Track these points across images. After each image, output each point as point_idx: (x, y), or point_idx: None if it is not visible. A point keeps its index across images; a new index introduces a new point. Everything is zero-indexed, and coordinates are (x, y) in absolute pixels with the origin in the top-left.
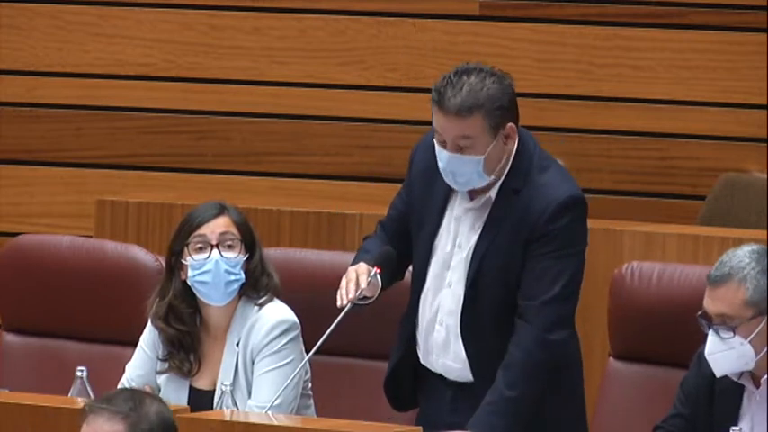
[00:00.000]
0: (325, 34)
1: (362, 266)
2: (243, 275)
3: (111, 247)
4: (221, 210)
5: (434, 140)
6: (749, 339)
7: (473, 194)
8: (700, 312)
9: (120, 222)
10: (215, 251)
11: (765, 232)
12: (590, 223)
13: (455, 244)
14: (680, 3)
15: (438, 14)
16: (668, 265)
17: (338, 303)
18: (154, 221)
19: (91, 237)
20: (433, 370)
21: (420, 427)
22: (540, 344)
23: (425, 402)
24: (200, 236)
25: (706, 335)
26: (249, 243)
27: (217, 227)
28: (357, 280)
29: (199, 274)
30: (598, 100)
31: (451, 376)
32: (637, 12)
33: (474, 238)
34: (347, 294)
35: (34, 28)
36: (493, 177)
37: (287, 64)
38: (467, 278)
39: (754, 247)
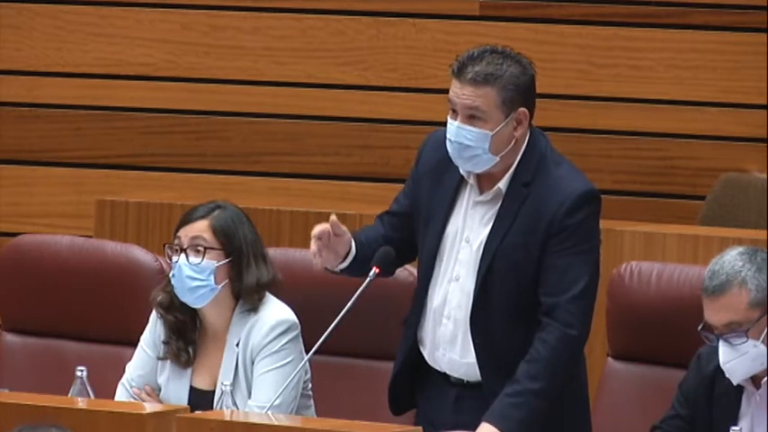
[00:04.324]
0: (325, 34)
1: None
2: (212, 281)
3: (111, 247)
4: (207, 213)
5: (448, 118)
6: (762, 339)
7: (483, 187)
8: (701, 326)
9: (120, 222)
10: (182, 256)
11: (765, 232)
12: None
13: (463, 237)
14: (680, 3)
15: (438, 14)
16: (667, 265)
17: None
18: (154, 221)
19: (91, 237)
20: (437, 368)
21: (420, 428)
22: (565, 341)
23: (426, 403)
24: (177, 238)
25: (714, 347)
26: (231, 249)
27: (191, 231)
28: (321, 237)
29: (171, 276)
30: (598, 100)
31: (457, 374)
32: (637, 12)
33: (484, 232)
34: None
35: (34, 28)
36: (498, 160)
37: (287, 64)
38: (477, 273)
39: (740, 249)
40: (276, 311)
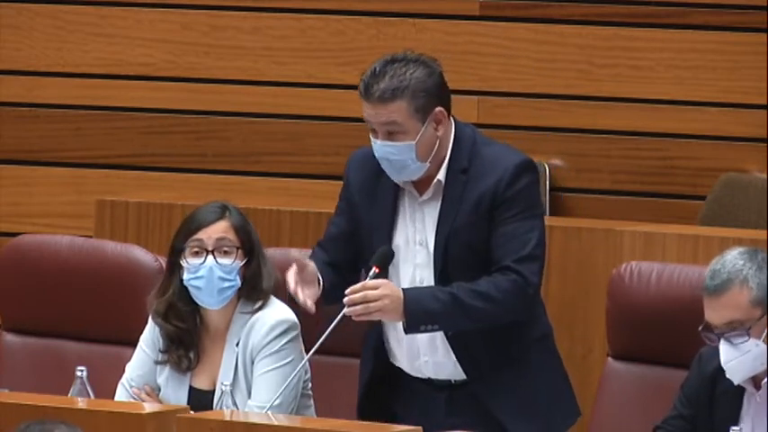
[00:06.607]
0: (326, 34)
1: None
2: (238, 281)
3: (111, 247)
4: (222, 213)
5: (370, 137)
6: (763, 338)
7: (421, 188)
8: (701, 327)
9: (120, 222)
10: (210, 257)
11: (765, 232)
12: (590, 223)
13: (416, 242)
14: (680, 3)
15: (438, 14)
16: (667, 265)
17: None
18: (154, 221)
19: (91, 237)
20: (420, 377)
21: (420, 428)
22: (517, 292)
23: (409, 413)
24: (197, 240)
25: (715, 347)
26: (248, 248)
27: (214, 232)
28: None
29: (193, 279)
30: (598, 100)
31: (442, 376)
32: (637, 12)
33: (434, 228)
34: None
35: (34, 28)
36: (429, 165)
37: (287, 64)
38: (434, 265)
39: (740, 249)
40: (276, 311)
